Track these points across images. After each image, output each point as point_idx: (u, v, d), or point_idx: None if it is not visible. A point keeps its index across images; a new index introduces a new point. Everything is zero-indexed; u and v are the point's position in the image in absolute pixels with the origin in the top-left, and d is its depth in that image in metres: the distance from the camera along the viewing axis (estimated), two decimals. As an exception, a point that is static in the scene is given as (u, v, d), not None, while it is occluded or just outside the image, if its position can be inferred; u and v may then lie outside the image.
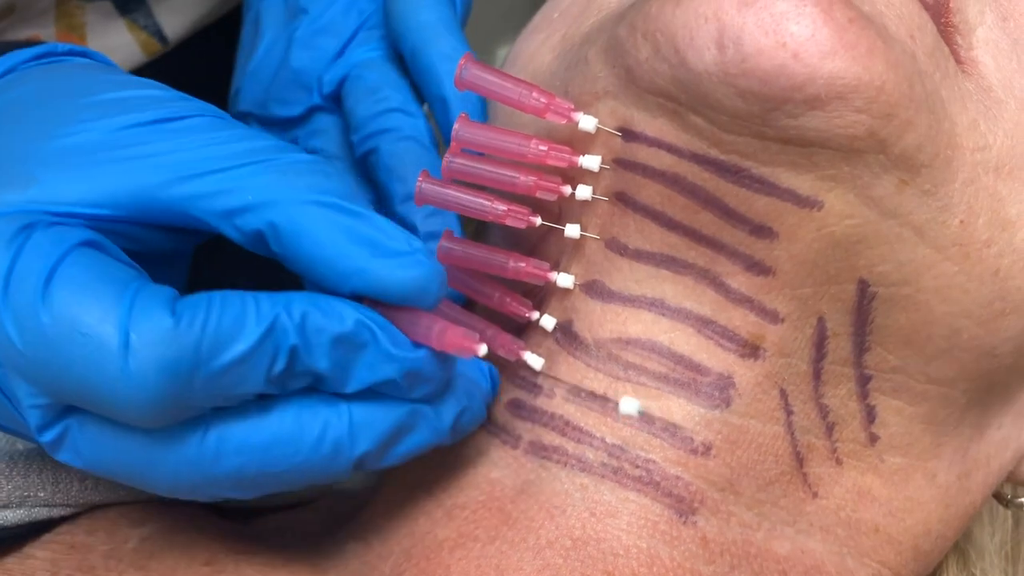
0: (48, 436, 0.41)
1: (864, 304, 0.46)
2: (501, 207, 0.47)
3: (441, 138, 0.55)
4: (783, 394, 0.47)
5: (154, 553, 0.48)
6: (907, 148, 0.44)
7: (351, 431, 0.42)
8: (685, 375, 0.46)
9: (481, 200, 0.48)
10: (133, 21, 0.74)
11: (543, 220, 0.48)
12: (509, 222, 0.47)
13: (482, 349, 0.43)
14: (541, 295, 0.50)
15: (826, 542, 0.48)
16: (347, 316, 0.41)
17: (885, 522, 0.49)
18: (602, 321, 0.47)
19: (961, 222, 0.45)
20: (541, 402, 0.48)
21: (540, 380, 0.48)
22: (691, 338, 0.47)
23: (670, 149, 0.45)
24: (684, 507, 0.46)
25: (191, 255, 0.49)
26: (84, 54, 0.49)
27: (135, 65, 0.75)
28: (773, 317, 0.46)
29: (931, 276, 0.45)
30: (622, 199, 0.47)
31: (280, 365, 0.41)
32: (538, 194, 0.47)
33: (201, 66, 0.71)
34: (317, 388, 0.43)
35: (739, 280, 0.46)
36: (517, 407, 0.48)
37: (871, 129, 0.43)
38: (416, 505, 0.48)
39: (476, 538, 0.46)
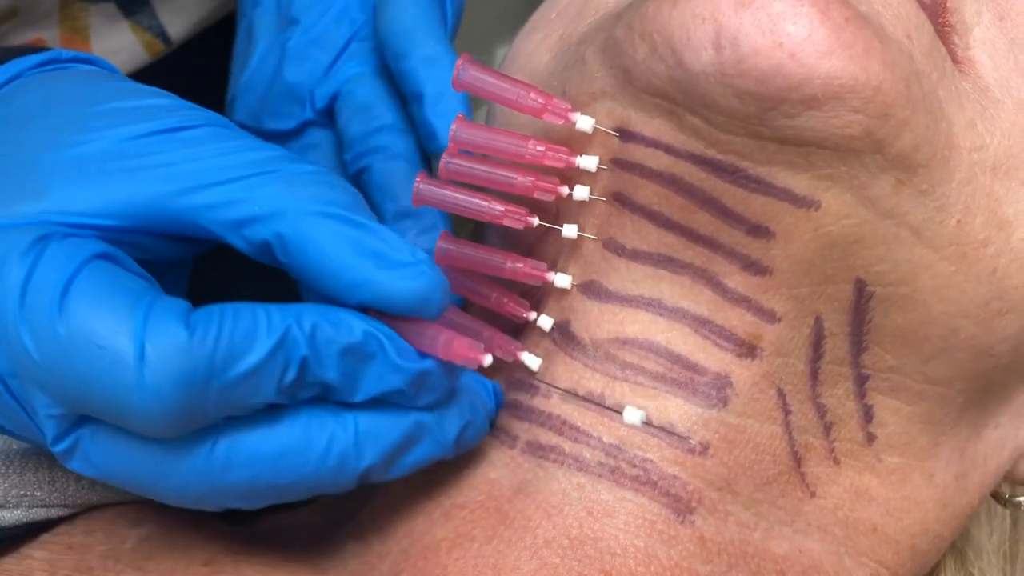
0: (61, 446, 0.42)
1: (861, 304, 0.46)
2: (498, 207, 0.47)
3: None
4: (781, 394, 0.47)
5: (152, 553, 0.48)
6: (904, 148, 0.44)
7: (357, 444, 0.43)
8: (682, 375, 0.47)
9: (478, 200, 0.48)
10: (137, 22, 0.74)
11: (541, 221, 0.48)
12: (507, 223, 0.47)
13: (487, 359, 0.44)
14: (539, 295, 0.50)
15: (824, 542, 0.48)
16: (355, 327, 0.42)
17: (883, 522, 0.49)
18: (599, 321, 0.47)
19: (958, 222, 0.45)
20: (538, 402, 0.48)
21: (537, 380, 0.48)
22: (688, 338, 0.47)
23: (667, 149, 0.45)
24: (681, 506, 0.46)
25: (191, 262, 0.49)
26: (88, 61, 0.49)
27: (139, 66, 0.75)
28: (770, 317, 0.46)
29: (928, 276, 0.45)
30: (619, 199, 0.47)
31: (291, 375, 0.41)
32: (535, 194, 0.47)
33: (204, 66, 0.71)
34: (326, 398, 0.43)
35: (736, 280, 0.46)
36: (514, 407, 0.48)
37: (868, 129, 0.43)
38: (415, 505, 0.48)
39: (473, 538, 0.46)
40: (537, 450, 0.47)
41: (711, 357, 0.46)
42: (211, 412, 0.41)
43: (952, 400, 0.49)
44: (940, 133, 0.45)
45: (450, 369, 0.44)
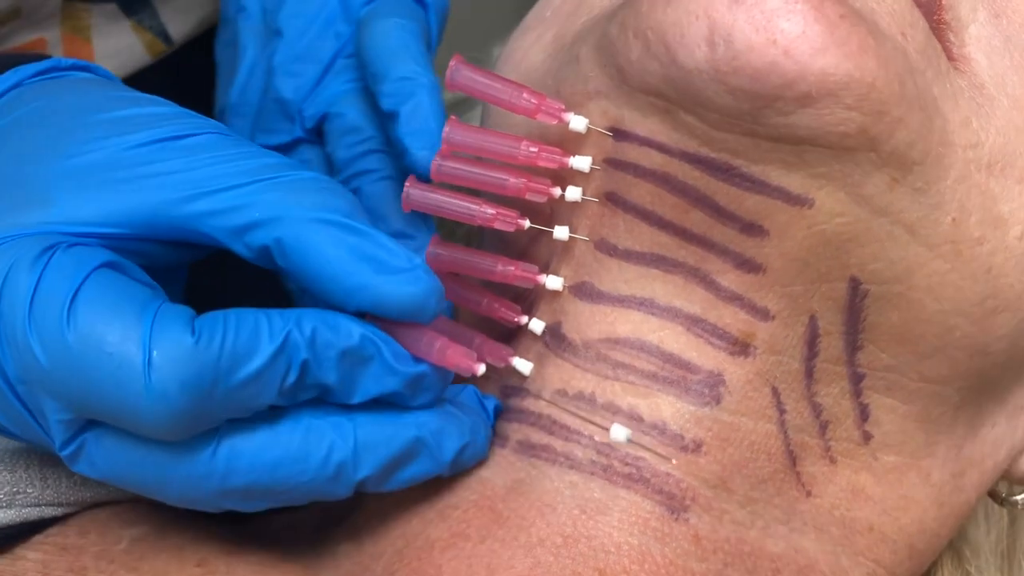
0: (68, 449, 0.43)
1: (856, 302, 0.46)
2: (489, 210, 0.47)
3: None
4: (775, 392, 0.47)
5: (145, 554, 0.48)
6: (898, 146, 0.44)
7: (355, 455, 0.44)
8: (674, 373, 0.46)
9: (469, 204, 0.48)
10: (138, 22, 0.74)
11: (534, 222, 0.48)
12: (498, 225, 0.48)
13: (480, 368, 0.45)
14: (532, 298, 0.50)
15: (820, 541, 0.48)
16: (353, 331, 0.43)
17: (879, 521, 0.49)
18: (591, 322, 0.47)
19: (953, 220, 0.45)
20: (529, 403, 0.48)
21: (528, 383, 0.48)
22: (680, 336, 0.47)
23: (660, 148, 0.45)
24: (675, 504, 0.46)
25: (188, 266, 0.49)
26: (87, 68, 0.50)
27: (140, 66, 0.75)
28: (764, 315, 0.46)
29: (923, 274, 0.45)
30: (612, 199, 0.47)
31: (292, 378, 0.43)
32: (528, 196, 0.47)
33: (205, 66, 0.71)
34: (325, 400, 0.44)
35: (729, 278, 0.46)
36: (505, 410, 0.49)
37: (862, 126, 0.43)
38: (409, 506, 0.48)
39: (468, 537, 0.46)
40: (528, 449, 0.47)
41: (704, 355, 0.46)
42: (216, 414, 0.42)
43: (948, 399, 0.49)
44: (935, 131, 0.44)
45: (444, 372, 0.45)
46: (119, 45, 0.74)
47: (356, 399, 0.44)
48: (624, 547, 0.46)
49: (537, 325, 0.49)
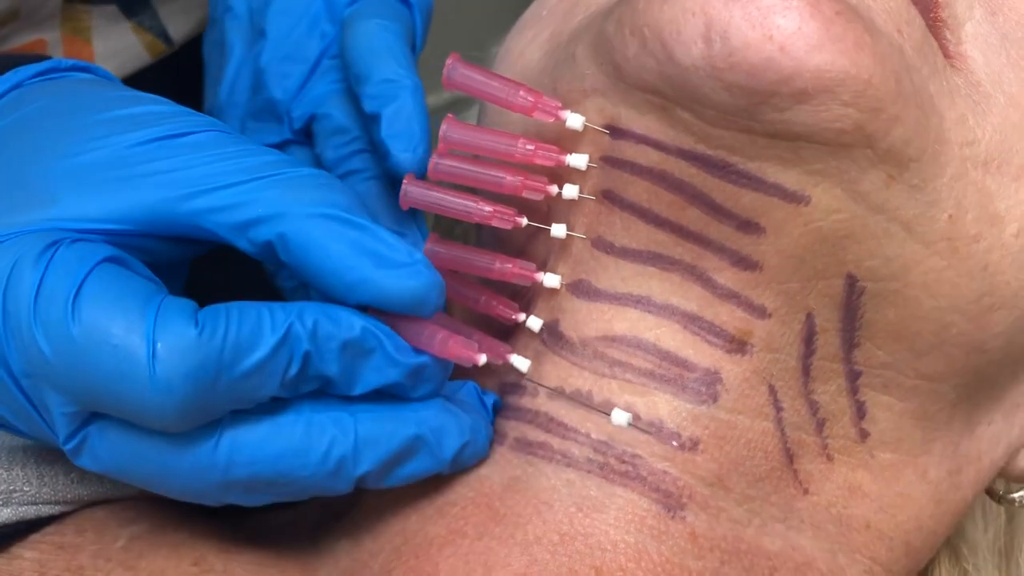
0: (72, 443, 0.43)
1: (852, 299, 0.46)
2: (487, 208, 0.47)
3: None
4: (772, 390, 0.47)
5: (143, 552, 0.48)
6: (895, 143, 0.44)
7: (355, 450, 0.44)
8: (671, 371, 0.46)
9: (466, 201, 0.48)
10: (139, 23, 0.74)
11: (532, 220, 0.48)
12: (495, 223, 0.48)
13: (482, 359, 0.46)
14: (529, 296, 0.50)
15: (817, 538, 0.48)
16: (355, 323, 0.44)
17: (876, 518, 0.49)
18: (588, 320, 0.47)
19: (950, 217, 0.45)
20: (526, 401, 0.48)
21: (525, 380, 0.48)
22: (677, 334, 0.47)
23: (657, 145, 0.45)
24: (672, 502, 0.46)
25: (189, 262, 0.50)
26: (86, 69, 0.50)
27: (141, 66, 0.75)
28: (760, 312, 0.46)
29: (920, 271, 0.45)
30: (609, 197, 0.47)
31: (294, 370, 0.43)
32: (525, 194, 0.47)
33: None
34: (326, 392, 0.45)
35: (726, 276, 0.46)
36: (503, 406, 0.49)
37: (858, 123, 0.43)
38: (408, 502, 0.48)
39: (465, 535, 0.46)
40: (525, 447, 0.47)
41: (700, 353, 0.46)
42: (219, 405, 0.42)
43: (945, 396, 0.49)
44: (931, 128, 0.44)
45: (444, 365, 0.46)
46: (119, 46, 0.74)
47: (357, 391, 0.44)
48: (621, 545, 0.46)
49: (535, 322, 0.49)
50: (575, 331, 0.48)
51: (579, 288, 0.48)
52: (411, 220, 0.52)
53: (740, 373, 0.46)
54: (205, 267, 0.53)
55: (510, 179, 0.47)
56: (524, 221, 0.48)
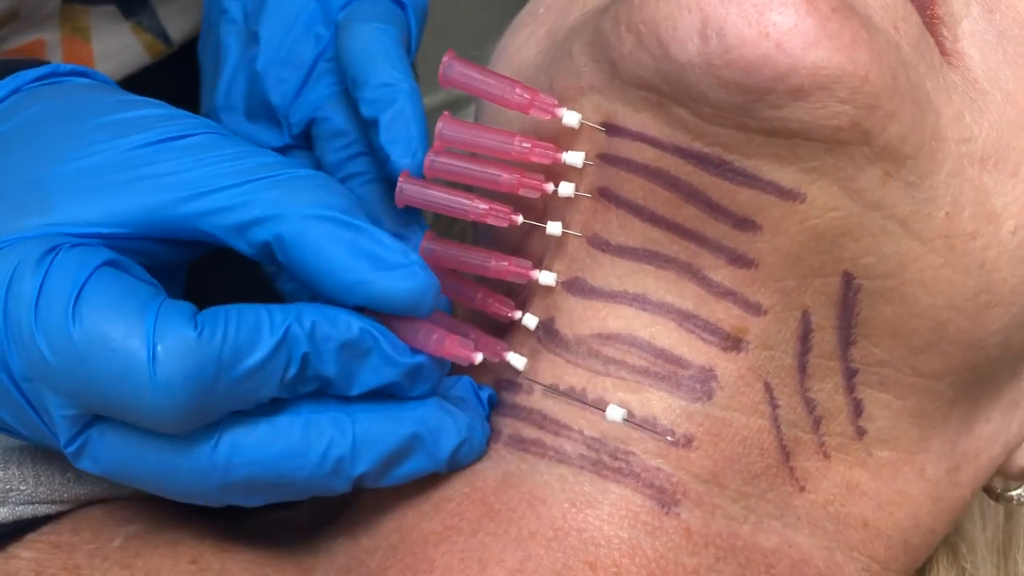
0: (73, 446, 0.43)
1: (849, 297, 0.46)
2: (482, 206, 0.47)
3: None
4: (768, 387, 0.47)
5: (140, 551, 0.49)
6: (891, 139, 0.43)
7: (353, 450, 0.45)
8: (666, 368, 0.46)
9: (462, 199, 0.48)
10: (138, 24, 0.74)
11: (528, 218, 0.48)
12: (491, 221, 0.48)
13: (478, 357, 0.46)
14: (525, 293, 0.50)
15: (814, 536, 0.48)
16: (352, 324, 0.44)
17: (874, 516, 0.49)
18: (583, 317, 0.47)
19: (946, 214, 0.45)
20: (520, 398, 0.48)
21: (520, 377, 0.48)
22: (672, 332, 0.46)
23: (653, 143, 0.45)
24: (666, 498, 0.46)
25: (187, 264, 0.50)
26: (84, 74, 0.51)
27: (140, 67, 0.75)
28: (756, 310, 0.46)
29: (916, 268, 0.45)
30: (605, 194, 0.47)
31: (293, 371, 0.43)
32: (521, 191, 0.47)
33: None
34: (325, 392, 0.45)
35: (722, 273, 0.46)
36: (498, 405, 0.49)
37: (855, 120, 0.43)
38: (405, 499, 0.48)
39: (460, 530, 0.46)
40: (519, 443, 0.48)
41: (695, 351, 0.46)
42: (219, 406, 0.43)
43: (942, 394, 0.48)
44: (927, 125, 0.44)
45: (441, 362, 0.46)
46: (118, 46, 0.74)
47: (355, 391, 0.45)
48: (614, 540, 0.46)
49: (531, 320, 0.49)
50: (570, 329, 0.48)
51: (574, 286, 0.48)
52: (413, 222, 0.52)
53: (735, 370, 0.46)
54: (204, 269, 0.53)
55: (506, 177, 0.47)
56: (520, 219, 0.48)
